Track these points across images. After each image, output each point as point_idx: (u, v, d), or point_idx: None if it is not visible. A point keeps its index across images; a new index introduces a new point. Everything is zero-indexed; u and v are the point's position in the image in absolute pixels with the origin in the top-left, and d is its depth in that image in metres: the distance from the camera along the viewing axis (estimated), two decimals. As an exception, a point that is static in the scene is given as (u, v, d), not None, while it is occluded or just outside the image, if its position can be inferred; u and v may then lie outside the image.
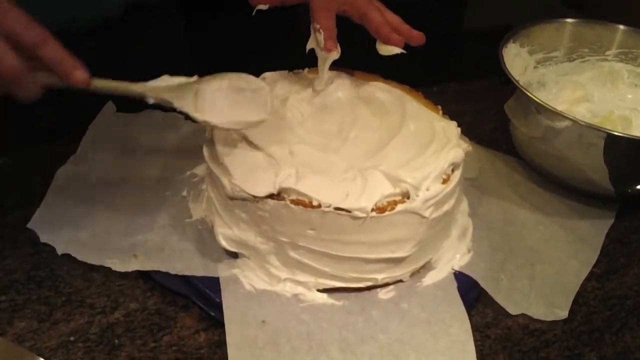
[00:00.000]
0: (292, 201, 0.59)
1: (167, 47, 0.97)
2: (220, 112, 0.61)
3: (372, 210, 0.59)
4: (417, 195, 0.60)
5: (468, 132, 0.76)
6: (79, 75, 0.55)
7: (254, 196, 0.59)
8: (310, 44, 0.69)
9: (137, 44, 0.89)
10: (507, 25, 0.86)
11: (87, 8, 0.54)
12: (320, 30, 0.66)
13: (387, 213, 0.59)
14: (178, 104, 0.60)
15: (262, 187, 0.59)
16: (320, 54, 0.68)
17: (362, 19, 0.70)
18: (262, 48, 0.86)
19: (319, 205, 0.58)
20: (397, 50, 0.69)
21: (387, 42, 0.69)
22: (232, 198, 0.61)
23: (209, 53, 1.05)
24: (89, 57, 0.56)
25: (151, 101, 0.59)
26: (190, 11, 1.10)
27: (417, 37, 0.70)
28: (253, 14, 0.68)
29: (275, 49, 0.85)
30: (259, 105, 0.62)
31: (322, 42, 0.66)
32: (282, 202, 0.59)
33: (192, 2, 1.10)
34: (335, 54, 0.67)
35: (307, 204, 0.59)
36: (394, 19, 0.70)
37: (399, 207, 0.60)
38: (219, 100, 0.61)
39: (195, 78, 0.60)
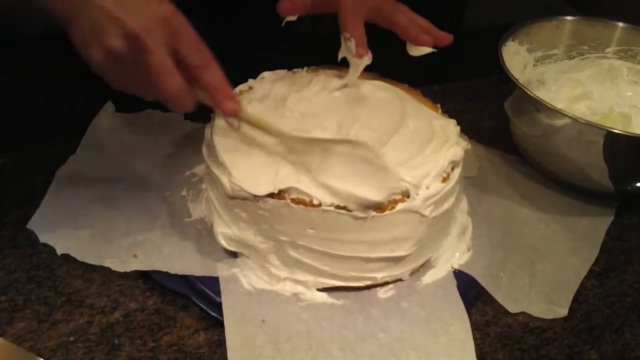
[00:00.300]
0: (292, 200, 0.59)
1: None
2: (340, 179, 0.59)
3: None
4: (417, 194, 0.60)
5: (467, 130, 0.75)
6: (230, 106, 0.57)
7: (254, 195, 0.59)
8: (342, 53, 0.69)
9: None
10: (506, 24, 0.86)
11: None
12: (351, 39, 0.67)
13: (387, 212, 0.59)
14: (300, 157, 0.60)
15: (262, 186, 0.59)
16: (352, 60, 0.68)
17: (389, 25, 0.71)
18: (262, 48, 0.86)
19: (319, 204, 0.58)
20: (427, 50, 0.70)
21: (416, 42, 0.70)
22: (232, 197, 0.61)
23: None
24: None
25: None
26: (191, 12, 1.10)
27: (446, 37, 0.70)
28: (282, 25, 0.69)
29: (275, 48, 0.85)
30: (379, 185, 0.58)
31: (354, 50, 0.67)
32: (282, 201, 0.59)
33: (192, 3, 1.10)
34: (367, 60, 0.68)
35: (308, 203, 0.59)
36: (422, 21, 0.71)
37: (399, 206, 0.60)
38: (342, 165, 0.59)
39: (327, 136, 0.60)
